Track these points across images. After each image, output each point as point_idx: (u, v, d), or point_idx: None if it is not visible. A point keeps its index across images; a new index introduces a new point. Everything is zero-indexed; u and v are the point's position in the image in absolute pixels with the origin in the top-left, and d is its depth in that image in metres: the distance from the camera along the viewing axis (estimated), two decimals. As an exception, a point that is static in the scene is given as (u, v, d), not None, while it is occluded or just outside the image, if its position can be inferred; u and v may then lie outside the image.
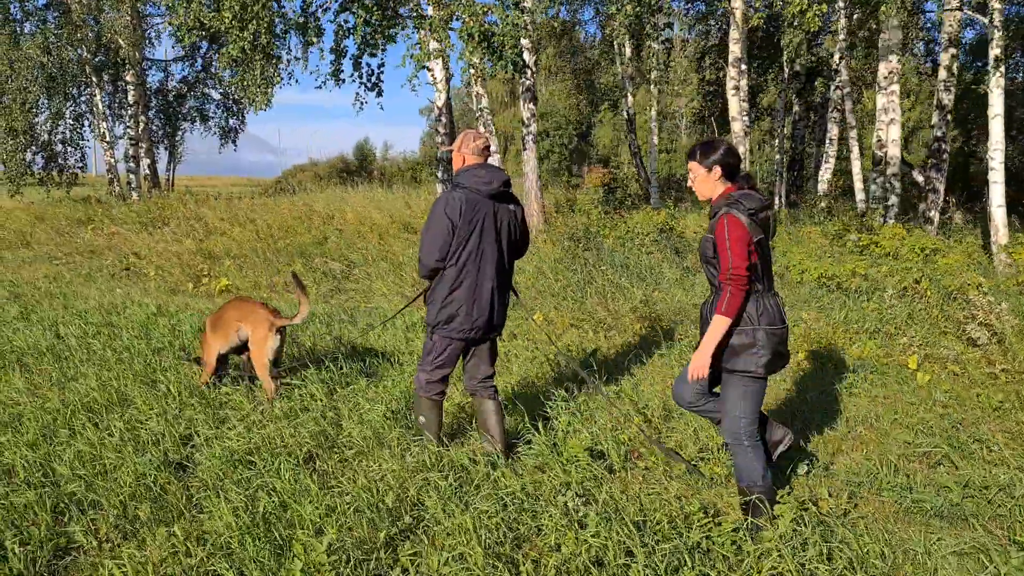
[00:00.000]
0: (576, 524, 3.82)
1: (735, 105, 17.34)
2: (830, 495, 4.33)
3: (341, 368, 6.48)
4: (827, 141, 21.89)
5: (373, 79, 13.33)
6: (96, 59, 22.69)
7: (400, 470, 4.49)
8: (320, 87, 15.58)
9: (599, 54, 28.91)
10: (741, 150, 17.47)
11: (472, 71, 13.74)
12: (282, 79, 12.63)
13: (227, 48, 11.87)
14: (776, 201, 22.00)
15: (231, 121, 29.61)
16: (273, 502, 4.15)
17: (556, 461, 4.65)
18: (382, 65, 13.98)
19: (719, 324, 3.64)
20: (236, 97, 25.85)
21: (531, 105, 14.15)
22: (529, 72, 13.61)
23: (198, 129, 28.96)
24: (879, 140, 15.89)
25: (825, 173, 21.66)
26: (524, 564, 3.52)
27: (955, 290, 8.40)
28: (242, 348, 6.13)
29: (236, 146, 31.25)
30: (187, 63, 28.11)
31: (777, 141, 23.20)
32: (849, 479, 4.70)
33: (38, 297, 10.29)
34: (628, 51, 26.89)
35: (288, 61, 13.39)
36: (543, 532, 3.80)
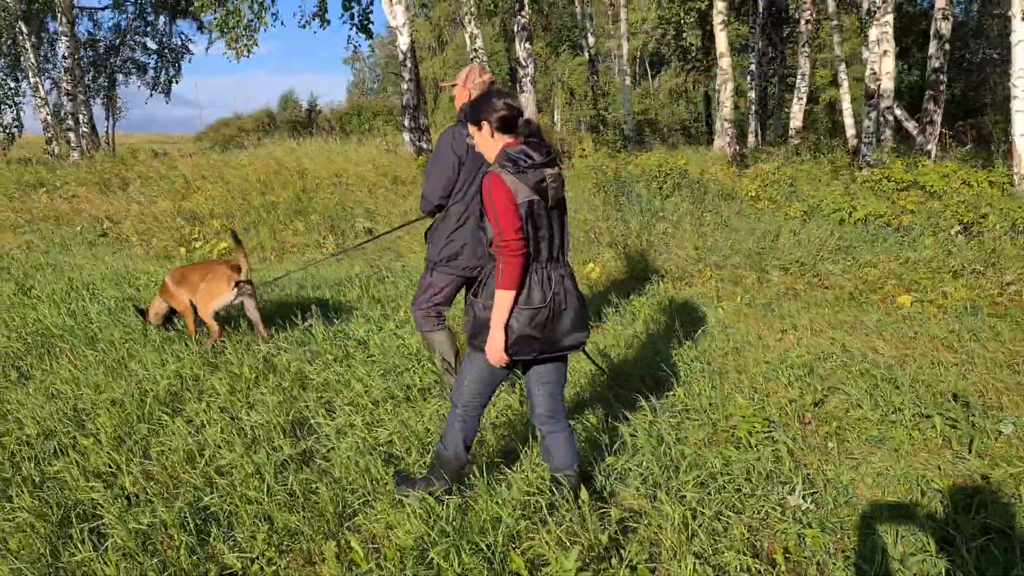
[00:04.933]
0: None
1: (723, 40, 16.85)
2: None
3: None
4: (799, 76, 21.67)
5: (363, 20, 12.34)
6: (22, 5, 20.78)
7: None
8: (304, 27, 14.80)
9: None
10: (730, 87, 17.04)
11: (465, 8, 12.90)
12: (268, 21, 11.55)
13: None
14: (752, 140, 21.69)
15: (166, 72, 27.91)
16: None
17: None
18: (371, 3, 12.91)
19: (501, 299, 3.27)
20: (181, 44, 24.15)
21: (527, 44, 13.38)
22: (525, 7, 12.82)
23: (133, 83, 27.18)
24: (872, 73, 15.59)
25: (798, 111, 21.47)
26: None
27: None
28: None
29: (169, 99, 29.51)
30: (118, 12, 26.23)
31: (748, 78, 22.80)
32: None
33: (24, 270, 9.25)
34: (588, -12, 26.12)
35: (273, 1, 12.24)
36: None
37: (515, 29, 13.37)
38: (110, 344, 6.11)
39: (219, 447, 4.33)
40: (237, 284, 6.01)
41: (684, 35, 25.84)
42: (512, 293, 3.25)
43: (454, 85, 4.63)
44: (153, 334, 6.20)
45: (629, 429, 4.42)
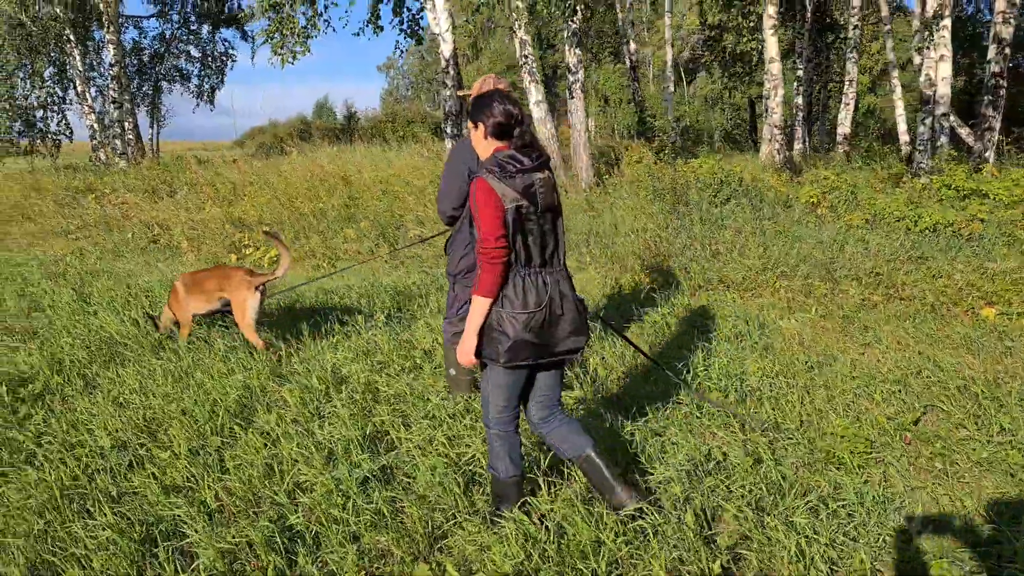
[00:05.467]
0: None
1: (773, 46, 16.55)
2: None
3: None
4: (846, 82, 21.27)
5: (412, 25, 12.25)
6: (71, 15, 21.05)
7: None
8: (358, 34, 14.92)
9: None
10: (780, 93, 16.74)
11: (515, 14, 12.76)
12: (321, 28, 11.50)
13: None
14: (799, 146, 21.32)
15: (209, 80, 28.17)
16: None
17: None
18: (422, 9, 12.79)
19: (475, 305, 3.27)
20: (271, 49, 24.12)
21: (577, 50, 13.20)
22: (578, 14, 12.65)
23: (177, 90, 27.48)
24: (928, 78, 15.23)
25: (846, 117, 21.08)
26: None
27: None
28: (223, 312, 6.27)
29: (213, 106, 29.80)
30: (163, 21, 26.52)
31: (795, 84, 22.44)
32: None
33: (80, 277, 9.23)
34: (630, -6, 25.96)
35: (326, 7, 12.19)
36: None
37: (565, 35, 13.19)
38: (173, 353, 6.02)
39: (295, 461, 4.21)
40: (258, 287, 6.03)
41: (732, 40, 25.51)
42: (488, 301, 3.24)
43: (469, 95, 4.59)
44: (218, 344, 6.10)
45: (716, 445, 4.24)
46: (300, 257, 10.63)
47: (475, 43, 55.76)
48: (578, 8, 11.89)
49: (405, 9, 12.03)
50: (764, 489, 3.73)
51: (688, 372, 5.36)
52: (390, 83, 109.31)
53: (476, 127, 3.39)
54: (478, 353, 3.35)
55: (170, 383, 5.35)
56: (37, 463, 4.25)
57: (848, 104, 21.10)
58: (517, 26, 12.70)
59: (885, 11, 17.66)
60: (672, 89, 22.72)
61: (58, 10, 20.37)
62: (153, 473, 4.08)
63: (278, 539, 3.40)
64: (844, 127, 21.08)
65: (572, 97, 13.30)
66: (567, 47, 13.26)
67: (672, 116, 21.86)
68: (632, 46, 25.64)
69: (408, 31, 12.35)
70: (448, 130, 15.75)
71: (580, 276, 8.39)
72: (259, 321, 6.09)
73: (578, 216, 10.62)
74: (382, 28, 12.00)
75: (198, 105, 28.69)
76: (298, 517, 3.61)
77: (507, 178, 3.19)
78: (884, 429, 4.41)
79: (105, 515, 3.62)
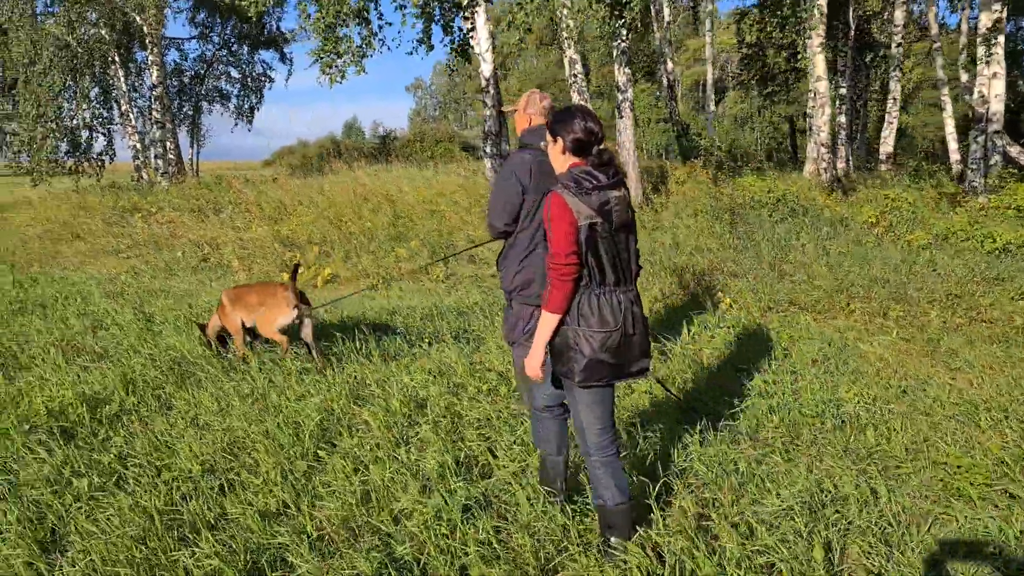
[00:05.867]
0: None
1: (820, 64, 16.39)
2: None
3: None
4: (890, 100, 21.02)
5: (462, 44, 12.23)
6: (116, 37, 21.34)
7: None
8: (411, 53, 15.25)
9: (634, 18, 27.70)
10: (827, 112, 16.54)
11: (566, 33, 12.72)
12: (376, 47, 11.50)
13: (321, 12, 10.74)
14: (844, 166, 21.04)
15: (248, 100, 28.48)
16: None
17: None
18: (472, 28, 12.77)
19: (544, 321, 3.25)
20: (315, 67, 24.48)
21: (627, 69, 13.12)
22: (625, 32, 12.58)
23: (217, 110, 27.80)
24: (981, 96, 14.99)
25: (889, 135, 20.81)
26: None
27: None
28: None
29: (251, 126, 30.12)
30: (201, 42, 26.88)
31: (837, 102, 22.19)
32: None
33: (138, 296, 9.24)
34: (667, 15, 25.88)
35: (380, 27, 12.18)
36: None
37: (614, 54, 13.11)
38: (245, 373, 5.95)
39: (386, 487, 4.09)
40: (296, 306, 6.25)
41: (772, 58, 25.32)
42: (556, 317, 3.21)
43: (515, 111, 4.63)
44: (288, 363, 6.03)
45: (825, 473, 4.07)
46: (353, 277, 10.59)
47: (503, 63, 56.06)
48: (631, 26, 11.80)
49: (457, 29, 11.98)
50: (889, 521, 3.56)
51: (773, 396, 5.21)
52: (418, 103, 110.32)
53: (555, 141, 3.34)
54: (567, 370, 3.28)
55: (248, 405, 5.27)
56: (127, 488, 4.17)
57: (891, 123, 20.85)
58: (567, 45, 12.64)
59: (935, 29, 17.44)
60: (713, 108, 22.50)
61: (104, 32, 20.66)
62: (248, 499, 3.97)
63: (392, 571, 3.27)
64: (887, 146, 20.82)
65: (621, 116, 13.21)
66: (616, 66, 13.19)
67: (712, 134, 21.62)
68: (669, 65, 25.54)
69: (458, 50, 12.30)
70: (487, 149, 15.72)
71: (645, 296, 8.26)
72: (286, 332, 6.36)
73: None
74: (433, 47, 12.00)
75: (236, 124, 29.08)
76: (405, 548, 3.49)
77: (583, 194, 3.15)
78: (1000, 459, 4.22)
79: (208, 542, 3.52)
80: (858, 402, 5.06)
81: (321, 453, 4.58)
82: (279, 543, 3.57)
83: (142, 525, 3.68)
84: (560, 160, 3.35)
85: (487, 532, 3.58)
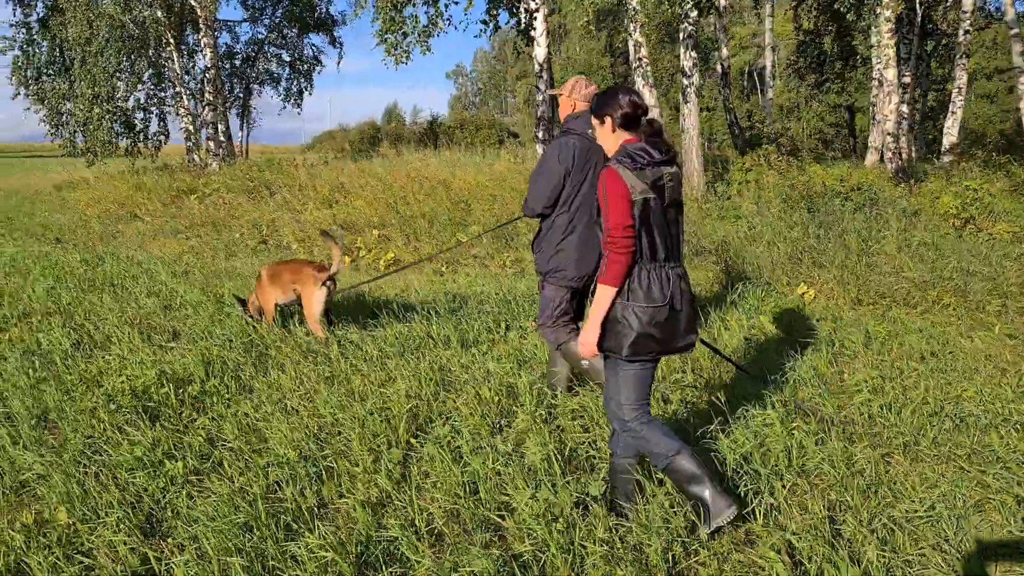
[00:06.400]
0: None
1: (889, 51, 15.86)
2: None
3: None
4: (955, 89, 20.35)
5: (527, 26, 11.99)
6: (170, 18, 21.40)
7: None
8: (478, 36, 15.35)
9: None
10: (894, 100, 16.04)
11: (632, 11, 12.39)
12: (443, 26, 11.32)
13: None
14: (906, 156, 20.45)
15: (298, 84, 28.48)
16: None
17: None
18: (538, 9, 12.53)
19: (602, 294, 3.26)
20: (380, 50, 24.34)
21: (693, 53, 12.79)
22: (696, 14, 12.25)
23: (267, 93, 27.87)
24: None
25: (952, 125, 20.19)
26: None
27: None
28: (298, 302, 6.46)
29: (301, 109, 30.19)
30: (253, 25, 26.92)
31: (900, 91, 21.58)
32: None
33: (204, 277, 9.17)
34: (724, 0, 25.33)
35: (446, 6, 11.98)
36: None
37: (681, 37, 12.79)
38: (324, 357, 5.82)
39: (489, 478, 3.91)
40: (324, 283, 6.24)
41: (830, 45, 24.72)
42: (614, 290, 3.22)
43: (560, 95, 4.68)
44: (369, 349, 5.88)
45: (960, 476, 3.82)
46: (414, 261, 10.44)
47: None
48: (702, 6, 11.47)
49: (523, 10, 11.74)
50: None
51: (884, 393, 4.94)
52: (458, 89, 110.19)
53: (603, 122, 3.37)
54: (611, 345, 3.29)
55: (333, 389, 5.12)
56: (223, 473, 4.03)
57: (955, 112, 20.20)
58: (632, 28, 12.33)
59: (1011, 14, 16.79)
60: (771, 96, 22.02)
61: (159, 12, 20.71)
62: (348, 489, 3.82)
63: (516, 569, 3.09)
64: (951, 136, 20.19)
65: (686, 101, 12.88)
66: (683, 50, 12.86)
67: (769, 122, 21.15)
68: (724, 52, 25.07)
69: (524, 32, 12.07)
70: (539, 134, 15.48)
71: (718, 284, 7.99)
72: (323, 316, 6.35)
73: (705, 223, 10.21)
74: (499, 27, 11.80)
75: (284, 108, 29.11)
76: (526, 545, 3.30)
77: (637, 170, 3.19)
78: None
79: (315, 532, 3.37)
80: (979, 402, 4.77)
81: (413, 441, 4.42)
82: (389, 536, 3.40)
83: (247, 511, 3.53)
84: (611, 139, 3.38)
85: (609, 530, 3.38)
